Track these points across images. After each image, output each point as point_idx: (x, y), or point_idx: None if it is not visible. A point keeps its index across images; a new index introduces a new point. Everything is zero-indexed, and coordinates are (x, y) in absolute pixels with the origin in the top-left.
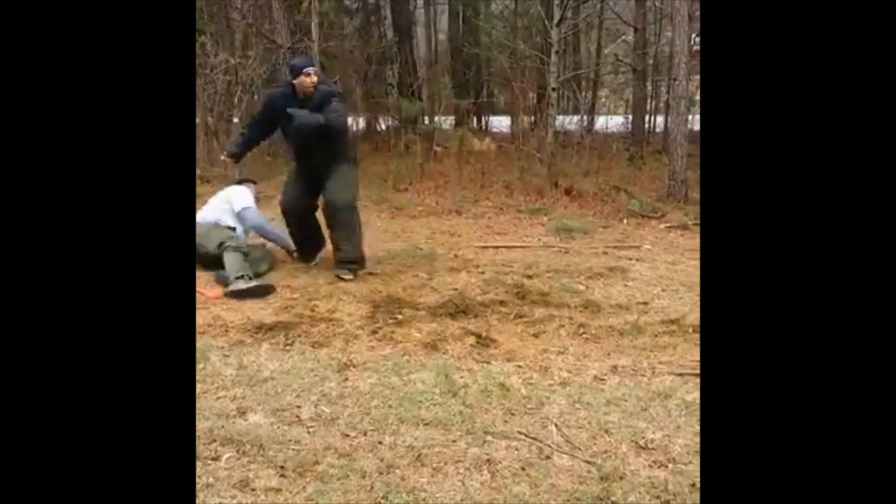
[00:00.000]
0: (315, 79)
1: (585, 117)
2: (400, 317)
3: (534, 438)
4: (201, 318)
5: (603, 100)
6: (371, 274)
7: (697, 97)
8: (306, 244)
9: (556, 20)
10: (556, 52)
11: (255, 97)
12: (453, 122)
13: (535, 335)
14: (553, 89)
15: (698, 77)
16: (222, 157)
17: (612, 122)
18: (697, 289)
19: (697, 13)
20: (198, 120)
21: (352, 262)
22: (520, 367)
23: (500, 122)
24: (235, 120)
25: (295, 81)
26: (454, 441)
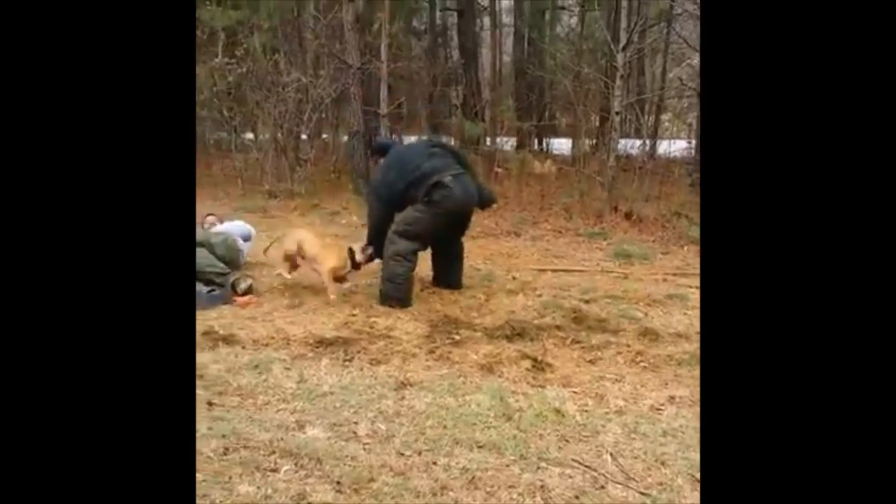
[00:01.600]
0: None
1: (648, 141)
2: (457, 337)
3: (588, 467)
4: (265, 330)
5: (666, 124)
6: (430, 293)
7: None
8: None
9: (622, 44)
10: (622, 76)
11: (324, 115)
12: (514, 144)
13: (592, 361)
14: (616, 113)
15: None
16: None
17: (674, 146)
18: None
19: None
20: (268, 136)
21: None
22: (575, 393)
23: (561, 145)
24: (304, 137)
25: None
26: (508, 465)
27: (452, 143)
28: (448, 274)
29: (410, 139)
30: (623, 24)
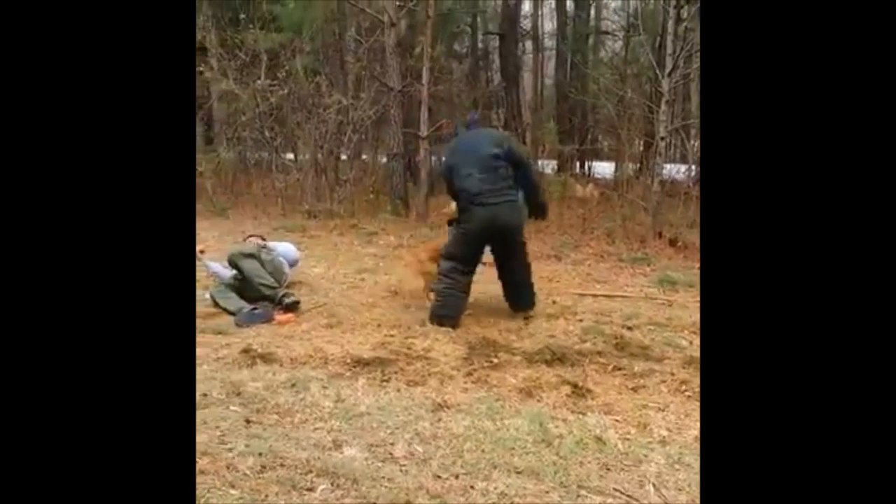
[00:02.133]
0: None
1: (693, 167)
2: (495, 360)
3: (630, 496)
4: (303, 349)
5: None
6: (468, 315)
7: None
8: None
9: (667, 70)
10: (667, 102)
11: (364, 137)
12: (556, 167)
13: (634, 389)
14: (661, 138)
15: None
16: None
17: None
18: None
19: None
20: (308, 156)
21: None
22: (617, 421)
23: (604, 169)
24: (343, 157)
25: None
26: (547, 492)
27: None
28: (512, 296)
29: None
30: (669, 49)
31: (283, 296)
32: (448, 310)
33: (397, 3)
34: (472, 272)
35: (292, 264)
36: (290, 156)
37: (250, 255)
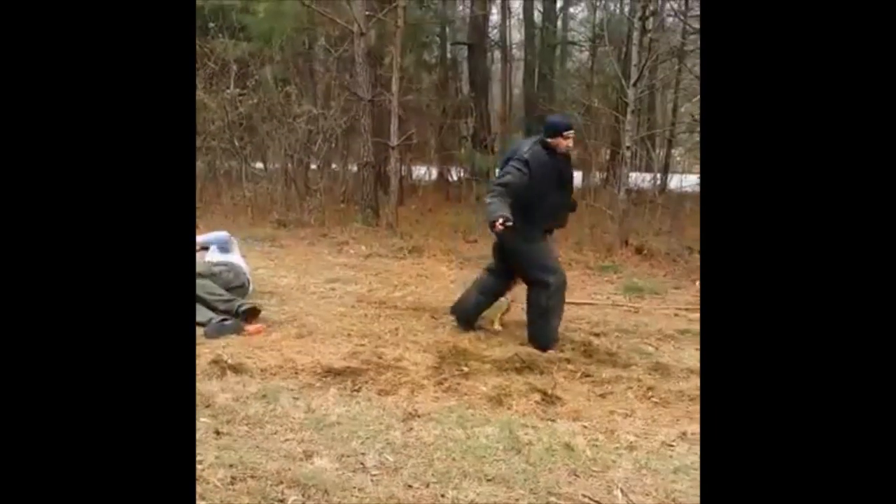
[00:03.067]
0: (572, 143)
1: (659, 176)
2: (466, 369)
3: (598, 502)
4: (273, 359)
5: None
6: (438, 324)
7: None
8: None
9: (633, 80)
10: (633, 111)
11: (334, 146)
12: None
13: (602, 395)
14: (627, 147)
15: None
16: (500, 227)
17: (686, 181)
18: None
19: None
20: (277, 166)
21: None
22: (586, 427)
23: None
24: (314, 167)
25: (550, 141)
26: (517, 500)
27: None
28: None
29: (420, 170)
30: (634, 59)
31: (240, 306)
32: (459, 311)
33: (367, 12)
34: (498, 279)
35: (225, 249)
36: (260, 165)
37: (199, 276)
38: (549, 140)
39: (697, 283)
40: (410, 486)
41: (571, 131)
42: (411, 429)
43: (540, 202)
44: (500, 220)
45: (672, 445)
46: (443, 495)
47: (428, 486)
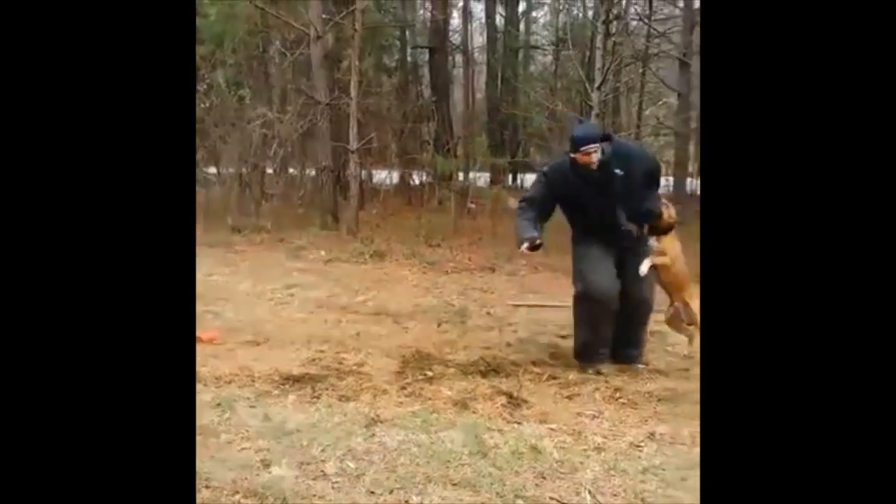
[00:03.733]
0: (594, 157)
1: None
2: (430, 373)
3: None
4: (228, 367)
5: None
6: (401, 329)
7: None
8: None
9: (596, 83)
10: (597, 115)
11: (291, 150)
12: (489, 180)
13: (569, 397)
14: None
15: None
16: (523, 250)
17: None
18: None
19: None
20: (232, 170)
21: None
22: (552, 429)
23: None
24: (269, 171)
25: (571, 155)
26: None
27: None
28: None
29: (382, 174)
30: (598, 63)
31: None
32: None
33: (324, 16)
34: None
35: None
36: (213, 170)
37: None
38: (571, 154)
39: None
40: (373, 493)
41: (589, 146)
42: (374, 435)
43: (579, 211)
44: (525, 246)
45: (640, 446)
46: (407, 501)
47: (391, 492)
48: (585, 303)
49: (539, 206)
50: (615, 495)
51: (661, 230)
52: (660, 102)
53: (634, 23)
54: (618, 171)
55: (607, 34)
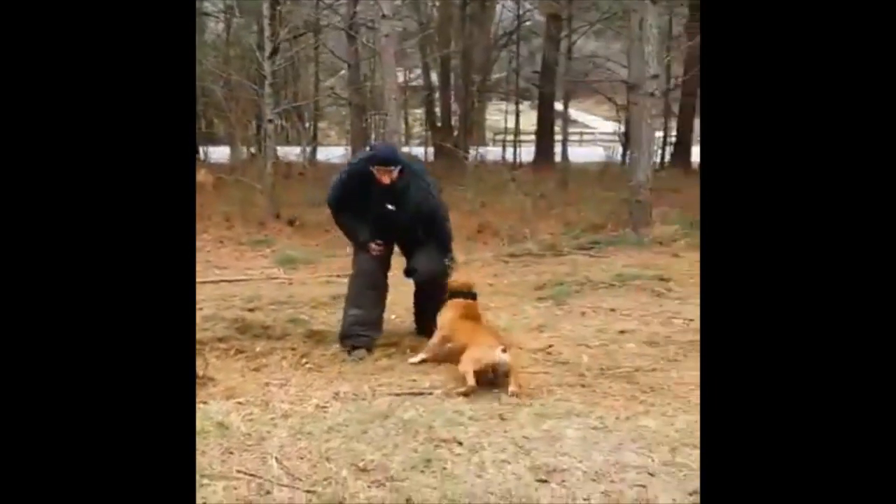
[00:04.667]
0: (393, 177)
1: (308, 148)
2: None
3: (253, 475)
4: None
5: (329, 132)
6: None
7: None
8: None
9: (267, 52)
10: (270, 84)
11: None
12: None
13: (257, 369)
14: (269, 120)
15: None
16: (376, 250)
17: (334, 153)
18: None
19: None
20: None
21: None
22: (240, 403)
23: (222, 153)
24: None
25: (372, 169)
26: None
27: None
28: None
29: None
30: (267, 32)
31: None
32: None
33: None
34: None
35: None
36: None
37: None
38: (371, 166)
39: (348, 248)
40: None
41: (383, 167)
42: None
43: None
44: (374, 247)
45: (326, 407)
46: None
47: None
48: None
49: (355, 205)
50: (301, 458)
51: (461, 294)
52: (338, 74)
53: None
54: (389, 206)
55: (274, 3)
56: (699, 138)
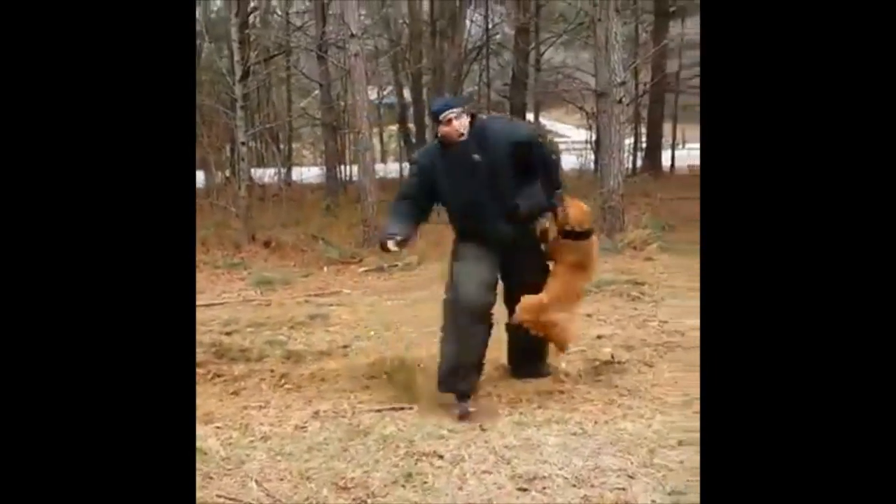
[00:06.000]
0: (457, 125)
1: (282, 170)
2: None
3: (233, 499)
4: None
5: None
6: None
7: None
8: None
9: (238, 76)
10: (242, 108)
11: None
12: None
13: (235, 393)
14: (242, 143)
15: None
16: (391, 247)
17: (310, 173)
18: (395, 329)
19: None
20: None
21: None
22: (219, 428)
23: (197, 178)
24: None
25: (439, 133)
26: None
27: None
28: None
29: None
30: (237, 56)
31: None
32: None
33: None
34: None
35: None
36: None
37: None
38: (437, 134)
39: (325, 268)
40: None
41: (445, 113)
42: None
43: (448, 203)
44: (391, 244)
45: (305, 427)
46: None
47: None
48: (449, 316)
49: (410, 198)
50: (281, 479)
51: (573, 234)
52: (311, 96)
53: (272, 15)
54: (475, 156)
55: (242, 26)
56: (670, 142)
